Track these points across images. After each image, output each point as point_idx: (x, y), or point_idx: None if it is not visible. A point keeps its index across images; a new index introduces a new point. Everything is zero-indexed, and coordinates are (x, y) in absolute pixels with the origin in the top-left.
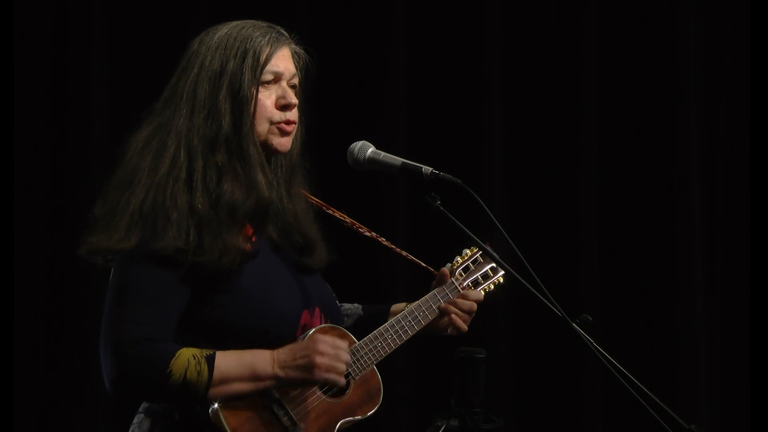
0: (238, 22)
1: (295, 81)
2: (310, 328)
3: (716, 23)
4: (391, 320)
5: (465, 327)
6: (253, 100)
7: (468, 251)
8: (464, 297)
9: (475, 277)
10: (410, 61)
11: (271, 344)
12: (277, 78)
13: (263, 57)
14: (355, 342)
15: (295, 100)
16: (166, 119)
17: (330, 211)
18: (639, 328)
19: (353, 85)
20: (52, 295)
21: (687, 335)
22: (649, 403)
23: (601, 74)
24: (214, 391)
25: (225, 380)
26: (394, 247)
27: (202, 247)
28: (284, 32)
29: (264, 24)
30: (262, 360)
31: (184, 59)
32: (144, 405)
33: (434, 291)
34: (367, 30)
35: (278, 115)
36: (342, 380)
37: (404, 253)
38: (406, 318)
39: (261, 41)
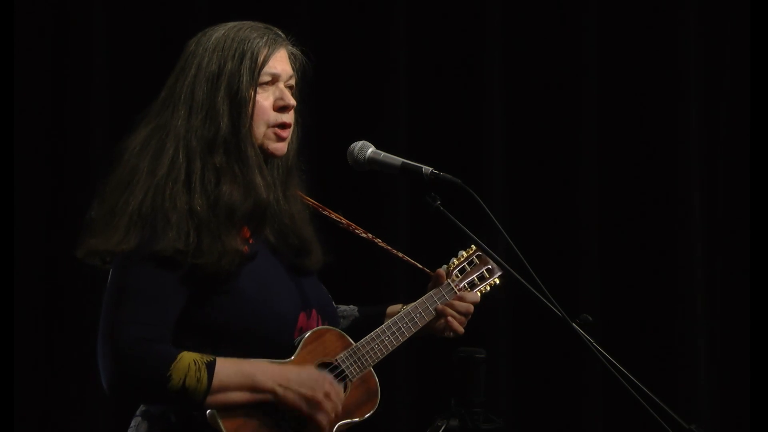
0: (235, 23)
1: (292, 82)
2: (307, 330)
3: (716, 23)
4: (388, 322)
5: (461, 329)
6: (251, 102)
7: (464, 252)
8: (461, 299)
9: (472, 278)
10: (410, 61)
11: (268, 346)
12: (274, 79)
13: (261, 58)
14: (352, 343)
15: (293, 102)
16: (164, 120)
17: (326, 213)
18: (639, 328)
19: (353, 85)
20: (53, 297)
21: (687, 335)
22: (649, 403)
23: (601, 74)
24: (211, 398)
25: (223, 389)
26: (390, 248)
27: (202, 249)
28: (281, 33)
29: (261, 25)
30: (262, 372)
31: (182, 60)
32: (141, 408)
33: (430, 293)
34: (367, 30)
35: (274, 117)
36: (329, 429)
37: (400, 254)
38: (403, 320)
39: (259, 43)
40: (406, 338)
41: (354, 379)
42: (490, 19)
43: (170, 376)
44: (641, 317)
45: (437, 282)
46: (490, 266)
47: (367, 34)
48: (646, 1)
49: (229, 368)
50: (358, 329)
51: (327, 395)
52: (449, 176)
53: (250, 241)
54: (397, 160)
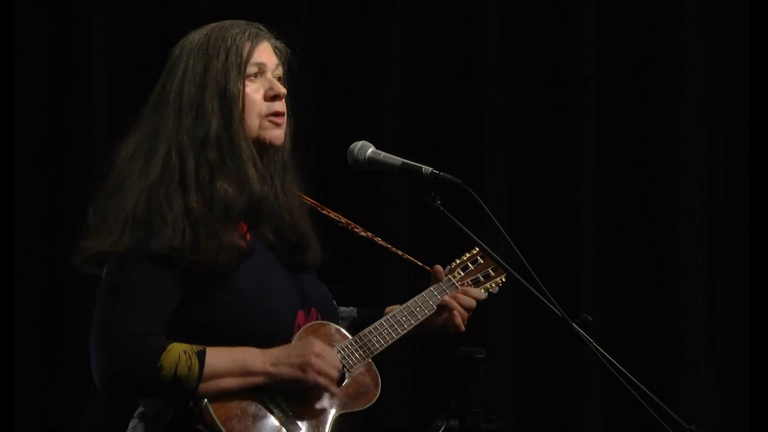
0: (215, 23)
1: (280, 72)
2: None
3: (716, 23)
4: (387, 315)
5: (462, 326)
6: (241, 96)
7: (468, 253)
8: (465, 293)
9: (476, 276)
10: (410, 61)
11: (267, 345)
12: (261, 70)
13: (245, 52)
14: (348, 336)
15: (283, 90)
16: (154, 125)
17: (324, 212)
18: (639, 328)
19: (353, 85)
20: (53, 297)
21: (687, 335)
22: (649, 403)
23: (602, 74)
24: (204, 386)
25: (215, 375)
26: (389, 246)
27: (199, 246)
28: (263, 28)
29: (242, 22)
30: (253, 356)
31: (167, 65)
32: (138, 410)
33: (430, 287)
34: (367, 30)
35: (266, 107)
36: (334, 388)
37: (400, 252)
38: (402, 312)
39: (241, 37)
40: (405, 330)
41: (353, 370)
42: (490, 19)
43: (161, 367)
44: (641, 317)
45: (436, 278)
46: (495, 265)
47: (367, 35)
48: (646, 1)
49: (219, 355)
50: (357, 330)
51: (317, 354)
52: (449, 176)
53: (248, 237)
54: (397, 160)
